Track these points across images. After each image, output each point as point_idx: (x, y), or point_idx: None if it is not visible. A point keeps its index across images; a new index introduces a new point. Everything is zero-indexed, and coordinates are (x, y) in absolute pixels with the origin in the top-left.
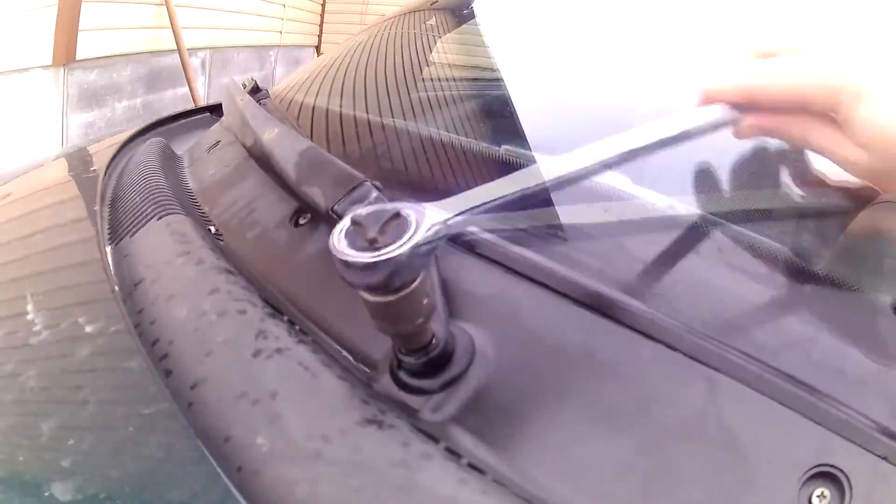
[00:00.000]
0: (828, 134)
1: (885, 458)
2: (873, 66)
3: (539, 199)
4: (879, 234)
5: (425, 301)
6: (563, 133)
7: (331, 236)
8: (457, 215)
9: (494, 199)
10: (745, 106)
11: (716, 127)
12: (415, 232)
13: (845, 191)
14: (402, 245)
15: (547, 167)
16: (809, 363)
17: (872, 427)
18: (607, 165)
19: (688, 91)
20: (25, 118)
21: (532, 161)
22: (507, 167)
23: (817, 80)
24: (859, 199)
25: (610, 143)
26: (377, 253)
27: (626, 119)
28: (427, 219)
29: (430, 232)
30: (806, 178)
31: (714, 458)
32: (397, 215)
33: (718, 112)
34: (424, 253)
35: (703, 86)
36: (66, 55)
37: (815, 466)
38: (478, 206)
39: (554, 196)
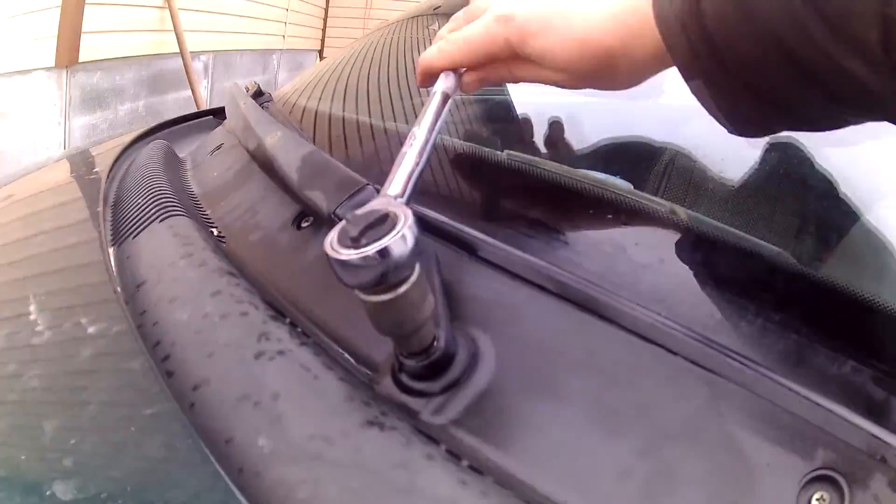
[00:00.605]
0: (528, 68)
1: (883, 462)
2: (530, 4)
3: (541, 202)
4: (878, 239)
5: (422, 300)
6: (565, 138)
7: (325, 239)
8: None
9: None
10: (457, 69)
11: (451, 94)
12: (403, 226)
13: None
14: (386, 239)
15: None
16: (809, 367)
17: (871, 431)
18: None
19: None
20: (28, 120)
21: (535, 165)
22: (509, 171)
23: (490, 33)
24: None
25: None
26: (363, 249)
27: (631, 124)
28: (395, 207)
29: (410, 216)
30: (805, 181)
31: (714, 461)
32: (386, 215)
33: (445, 80)
34: (414, 247)
35: (420, 64)
36: (68, 57)
37: (814, 470)
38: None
39: (555, 199)
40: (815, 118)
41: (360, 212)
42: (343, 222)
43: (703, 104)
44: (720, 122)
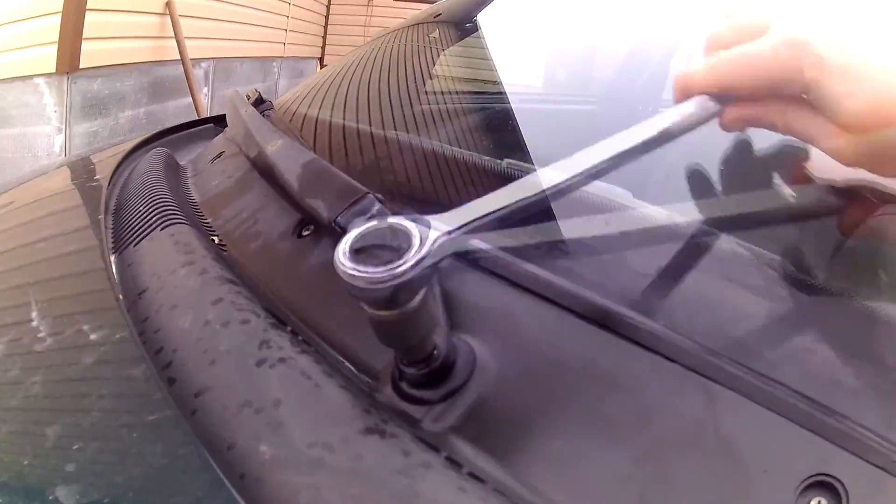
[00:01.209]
0: (807, 118)
1: (881, 468)
2: (833, 32)
3: (540, 211)
4: (881, 244)
5: (428, 316)
6: (566, 147)
7: (336, 250)
8: (460, 227)
9: (497, 210)
10: (722, 96)
11: (699, 122)
12: (420, 247)
13: (847, 198)
14: (406, 262)
15: (542, 176)
16: (807, 373)
17: (869, 437)
18: (598, 172)
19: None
20: (28, 126)
21: (533, 173)
22: (509, 181)
23: (778, 59)
24: (862, 207)
25: (597, 149)
26: (381, 269)
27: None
28: (431, 233)
29: (435, 247)
30: (808, 186)
31: (712, 468)
32: (402, 230)
33: (700, 106)
34: (428, 269)
35: (677, 75)
36: (69, 63)
37: (811, 476)
38: (480, 218)
39: (555, 208)
40: None
41: (375, 225)
42: (355, 233)
43: None
44: None
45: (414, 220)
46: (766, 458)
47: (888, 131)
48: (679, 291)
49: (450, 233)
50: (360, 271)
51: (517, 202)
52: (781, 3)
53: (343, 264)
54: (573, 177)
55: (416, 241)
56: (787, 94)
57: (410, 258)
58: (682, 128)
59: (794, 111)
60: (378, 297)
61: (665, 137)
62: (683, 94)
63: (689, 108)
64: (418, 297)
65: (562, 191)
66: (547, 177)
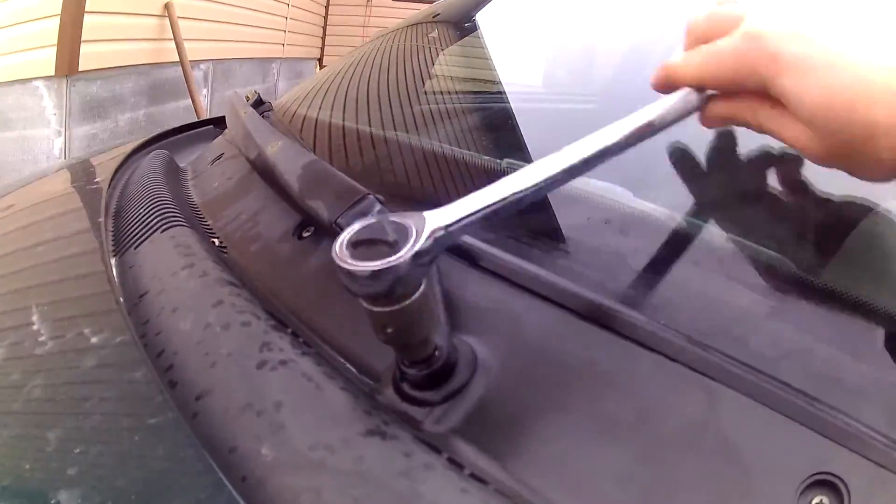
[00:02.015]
0: (777, 116)
1: (883, 466)
2: (792, 27)
3: (535, 206)
4: (879, 244)
5: (427, 314)
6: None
7: (333, 246)
8: (455, 222)
9: (491, 205)
10: (701, 91)
11: (682, 115)
12: (415, 240)
13: (846, 199)
14: (402, 254)
15: (534, 169)
16: (807, 372)
17: (870, 435)
18: (588, 164)
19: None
20: (28, 129)
21: None
22: None
23: (738, 55)
24: (860, 208)
25: (587, 142)
26: (378, 262)
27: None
28: (427, 226)
29: (431, 240)
30: (807, 186)
31: (713, 467)
32: (399, 226)
33: (683, 99)
34: (425, 262)
35: (662, 65)
36: (68, 66)
37: (813, 474)
38: (475, 213)
39: (555, 207)
40: None
41: (372, 221)
42: (354, 228)
43: None
44: None
45: (410, 216)
46: (768, 457)
47: (845, 126)
48: (679, 290)
49: (446, 227)
50: (356, 265)
51: (511, 196)
52: None
53: (340, 258)
54: (564, 170)
55: (412, 235)
56: (751, 89)
57: (406, 251)
58: (667, 121)
59: (766, 109)
60: (375, 291)
61: (650, 130)
62: (665, 85)
63: (672, 100)
64: (417, 294)
65: (553, 183)
66: (539, 170)
